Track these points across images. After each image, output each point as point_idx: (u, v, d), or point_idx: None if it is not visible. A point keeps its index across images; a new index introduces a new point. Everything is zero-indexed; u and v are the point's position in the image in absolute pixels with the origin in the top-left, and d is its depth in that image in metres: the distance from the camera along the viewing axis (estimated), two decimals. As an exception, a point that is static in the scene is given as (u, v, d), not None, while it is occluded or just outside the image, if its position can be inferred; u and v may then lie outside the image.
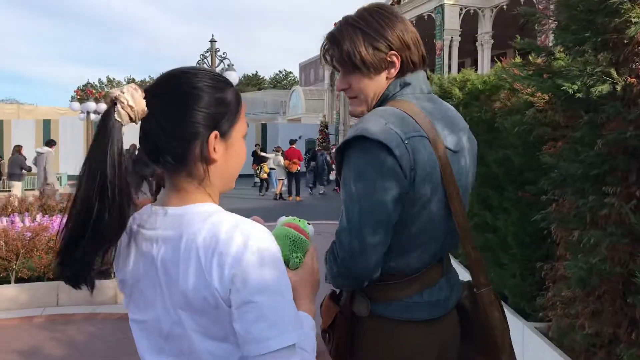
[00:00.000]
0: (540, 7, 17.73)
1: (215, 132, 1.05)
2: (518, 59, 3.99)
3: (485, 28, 20.59)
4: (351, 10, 1.65)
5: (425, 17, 21.14)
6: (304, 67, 48.61)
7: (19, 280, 5.77)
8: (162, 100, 1.03)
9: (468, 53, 22.63)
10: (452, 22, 20.35)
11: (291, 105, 42.84)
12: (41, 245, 5.85)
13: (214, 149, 1.05)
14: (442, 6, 20.29)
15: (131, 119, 1.01)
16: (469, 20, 20.34)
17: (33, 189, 16.08)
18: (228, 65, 13.22)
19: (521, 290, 3.54)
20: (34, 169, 13.95)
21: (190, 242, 1.00)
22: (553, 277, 3.27)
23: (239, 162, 1.13)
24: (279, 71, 79.85)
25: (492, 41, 20.57)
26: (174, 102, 1.03)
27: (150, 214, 1.09)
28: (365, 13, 1.59)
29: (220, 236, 0.98)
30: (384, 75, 1.56)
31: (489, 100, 4.30)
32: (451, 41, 20.56)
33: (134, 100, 1.01)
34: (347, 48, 1.53)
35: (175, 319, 1.02)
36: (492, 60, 20.10)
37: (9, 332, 5.01)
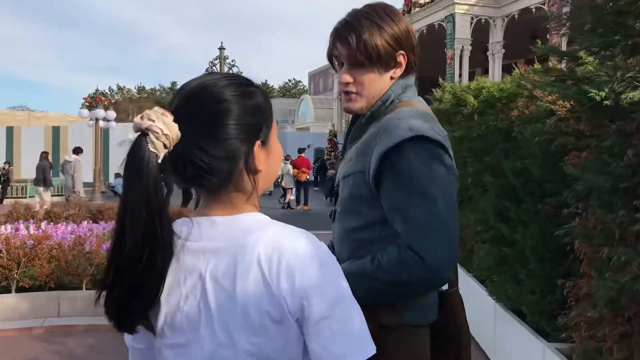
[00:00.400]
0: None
1: (258, 142, 1.00)
2: (537, 66, 3.82)
3: (496, 37, 20.45)
4: None
5: (436, 26, 21.03)
6: (313, 76, 48.63)
7: (20, 289, 5.63)
8: (195, 122, 0.95)
9: (479, 63, 22.46)
10: (463, 32, 20.23)
11: (300, 114, 42.83)
12: (43, 254, 5.71)
13: (259, 158, 1.00)
14: (453, 15, 20.17)
15: (165, 147, 0.93)
16: (480, 30, 20.22)
17: (62, 195, 16.05)
18: (237, 73, 13.14)
19: (540, 308, 3.35)
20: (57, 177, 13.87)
21: (249, 253, 0.94)
22: (576, 296, 3.07)
23: (279, 163, 1.10)
24: (288, 80, 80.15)
25: (504, 50, 20.43)
26: (208, 122, 0.96)
27: (192, 225, 1.00)
28: (378, 8, 1.53)
29: (284, 246, 0.94)
30: (389, 74, 1.52)
31: (505, 108, 4.13)
32: (462, 50, 20.43)
33: (168, 128, 0.92)
34: (366, 38, 1.46)
35: (223, 340, 0.93)
36: (503, 70, 20.01)
37: (8, 344, 4.86)
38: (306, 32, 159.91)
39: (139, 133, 0.93)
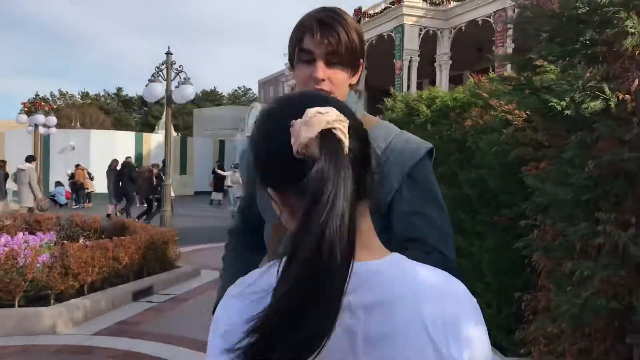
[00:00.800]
0: (498, 28, 18.02)
1: None
2: (492, 75, 3.78)
3: (443, 49, 20.82)
4: None
5: (386, 36, 21.24)
6: (264, 84, 48.40)
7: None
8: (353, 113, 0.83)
9: (426, 73, 22.81)
10: (411, 42, 20.50)
11: (250, 122, 42.40)
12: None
13: None
14: (402, 26, 20.43)
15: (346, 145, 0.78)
16: (428, 41, 20.54)
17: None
18: (184, 79, 12.76)
19: (497, 322, 3.29)
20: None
21: (409, 309, 0.77)
22: (534, 309, 3.02)
23: None
24: (238, 87, 79.40)
25: (451, 62, 20.81)
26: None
27: None
28: (344, 13, 1.46)
29: (447, 300, 0.79)
30: (351, 79, 1.46)
31: (459, 118, 4.08)
32: (410, 61, 20.70)
33: (342, 118, 0.79)
34: (352, 37, 1.40)
35: None
36: (450, 81, 20.38)
37: None
38: (256, 40, 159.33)
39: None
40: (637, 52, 2.28)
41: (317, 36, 1.39)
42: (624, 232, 2.20)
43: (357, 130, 0.80)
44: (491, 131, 3.49)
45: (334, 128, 0.77)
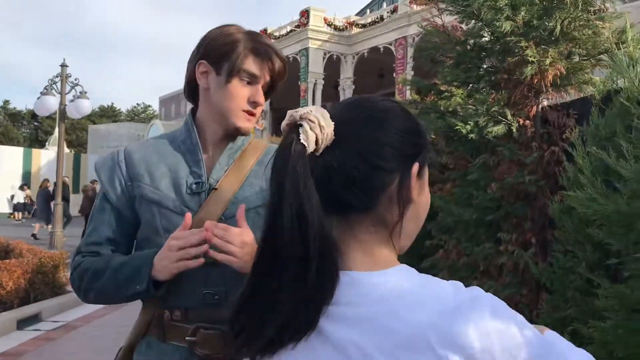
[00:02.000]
0: (398, 56, 18.77)
1: (417, 164, 0.80)
2: (399, 98, 3.88)
3: (347, 73, 21.36)
4: None
5: (291, 58, 21.48)
6: (165, 101, 47.14)
7: None
8: (354, 124, 0.80)
9: (330, 97, 23.26)
10: (316, 66, 20.89)
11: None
12: None
13: (414, 187, 0.81)
14: (307, 49, 20.77)
15: (316, 143, 0.77)
16: (332, 65, 21.01)
17: None
18: (80, 92, 12.13)
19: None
20: None
21: (414, 326, 0.72)
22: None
23: (426, 212, 0.87)
24: (137, 104, 76.99)
25: (354, 86, 21.37)
26: (369, 126, 0.81)
27: None
28: None
29: (455, 313, 0.72)
30: None
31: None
32: (315, 84, 21.05)
33: (325, 121, 0.78)
34: (284, 68, 1.48)
35: None
36: (353, 105, 20.89)
37: None
38: (156, 57, 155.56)
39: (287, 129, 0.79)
40: (535, 80, 2.41)
41: (269, 64, 1.42)
42: (524, 251, 2.30)
43: (355, 144, 0.79)
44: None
45: (301, 124, 0.77)
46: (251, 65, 1.40)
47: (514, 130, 2.37)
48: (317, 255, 0.73)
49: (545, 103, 2.52)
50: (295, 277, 0.74)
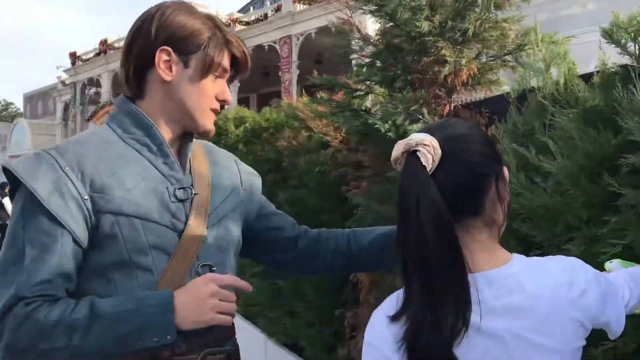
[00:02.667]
0: (283, 54, 18.84)
1: (505, 167, 1.02)
2: (305, 99, 3.88)
3: (231, 71, 21.12)
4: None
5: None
6: (30, 99, 43.73)
7: None
8: (455, 143, 0.95)
9: (214, 94, 22.86)
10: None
11: (13, 140, 37.93)
12: None
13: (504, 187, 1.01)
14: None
15: (432, 163, 0.92)
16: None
17: None
18: None
19: (321, 340, 3.32)
20: None
21: (549, 303, 0.94)
22: (354, 325, 3.11)
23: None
24: (-3, 102, 70.66)
25: (239, 84, 21.16)
26: (466, 142, 0.97)
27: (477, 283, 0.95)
28: None
29: (577, 284, 0.98)
30: None
31: (272, 138, 4.10)
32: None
33: (435, 143, 0.92)
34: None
35: None
36: (239, 103, 20.70)
37: None
38: (21, 51, 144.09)
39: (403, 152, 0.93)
40: (449, 79, 2.49)
41: (240, 57, 1.30)
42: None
43: (461, 158, 0.94)
44: (306, 152, 3.55)
45: (418, 150, 0.91)
46: (225, 59, 1.27)
47: (432, 128, 2.44)
48: (459, 258, 0.89)
49: (457, 102, 2.63)
50: (448, 281, 0.87)
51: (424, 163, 0.90)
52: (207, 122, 1.28)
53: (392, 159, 0.95)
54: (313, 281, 3.32)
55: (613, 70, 1.78)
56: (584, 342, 1.01)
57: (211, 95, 1.27)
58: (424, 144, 0.91)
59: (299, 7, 18.39)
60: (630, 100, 1.58)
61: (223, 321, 1.13)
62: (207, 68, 1.24)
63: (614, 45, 1.76)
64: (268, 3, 22.85)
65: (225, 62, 1.27)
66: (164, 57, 1.22)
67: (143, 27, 1.24)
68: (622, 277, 1.19)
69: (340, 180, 3.18)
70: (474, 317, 0.89)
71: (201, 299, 1.11)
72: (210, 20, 1.28)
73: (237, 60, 1.30)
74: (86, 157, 1.15)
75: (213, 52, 1.24)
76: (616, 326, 1.10)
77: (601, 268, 1.33)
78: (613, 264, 1.34)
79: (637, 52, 1.73)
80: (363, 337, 3.07)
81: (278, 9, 19.26)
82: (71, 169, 1.13)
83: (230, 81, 1.33)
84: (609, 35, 1.77)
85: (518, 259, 0.99)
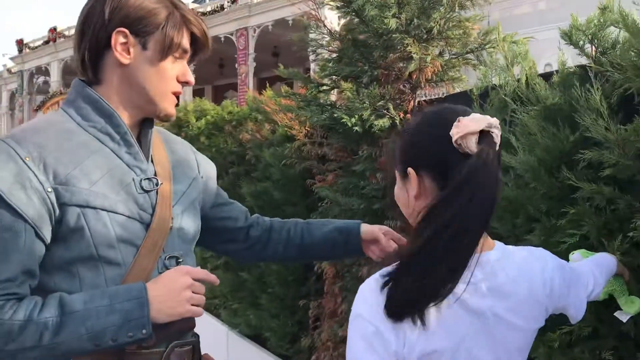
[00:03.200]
0: (240, 46, 18.68)
1: None
2: (269, 92, 3.89)
3: (186, 62, 20.78)
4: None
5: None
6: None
7: None
8: None
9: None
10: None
11: (-44, 130, 36.35)
12: None
13: None
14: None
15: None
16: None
17: None
18: None
19: (284, 332, 3.36)
20: None
21: (529, 287, 1.04)
22: (317, 316, 3.16)
23: None
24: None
25: (194, 75, 20.83)
26: None
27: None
28: None
29: (543, 268, 1.10)
30: None
31: (234, 131, 4.09)
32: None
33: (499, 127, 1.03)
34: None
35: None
36: (194, 95, 20.43)
37: None
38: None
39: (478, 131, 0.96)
40: (414, 75, 2.56)
41: (200, 37, 1.26)
42: (408, 236, 2.44)
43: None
44: (270, 145, 3.57)
45: (492, 132, 0.97)
46: (184, 38, 1.22)
47: (398, 123, 2.50)
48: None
49: (421, 98, 2.70)
50: (469, 255, 0.95)
51: (496, 142, 0.99)
52: (168, 105, 1.24)
53: (463, 132, 0.96)
54: (277, 273, 3.36)
55: (572, 70, 1.87)
56: (543, 324, 1.11)
57: (172, 77, 1.23)
58: (498, 127, 0.99)
59: (256, -1, 18.26)
60: (587, 99, 1.67)
61: (196, 313, 1.15)
62: (167, 49, 1.19)
63: (572, 46, 1.86)
64: (225, -6, 22.58)
65: (185, 41, 1.23)
66: (121, 39, 1.17)
67: (96, 7, 1.18)
68: (589, 266, 1.31)
69: (305, 174, 3.22)
70: (465, 294, 0.96)
71: (176, 291, 1.11)
72: (179, 6, 1.23)
73: (197, 39, 1.26)
74: (46, 147, 1.09)
75: (172, 32, 1.19)
76: (576, 312, 1.21)
77: (560, 256, 1.42)
78: (575, 255, 1.45)
79: (593, 53, 1.84)
80: (327, 327, 3.12)
81: (234, 1, 19.06)
82: (32, 159, 1.06)
83: (189, 61, 1.30)
84: (568, 37, 1.86)
85: (500, 245, 1.08)
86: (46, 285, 1.09)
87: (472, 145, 0.96)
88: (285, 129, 3.34)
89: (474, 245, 0.95)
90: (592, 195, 1.61)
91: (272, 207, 3.40)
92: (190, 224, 1.29)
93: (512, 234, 1.90)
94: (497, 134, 0.99)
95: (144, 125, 1.26)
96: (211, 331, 4.13)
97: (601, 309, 1.60)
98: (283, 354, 3.41)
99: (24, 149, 1.07)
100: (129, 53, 1.18)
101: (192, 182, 1.34)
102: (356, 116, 2.55)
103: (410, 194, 1.05)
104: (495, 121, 0.99)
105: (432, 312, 0.94)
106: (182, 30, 1.22)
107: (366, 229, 1.56)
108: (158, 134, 1.34)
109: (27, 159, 1.06)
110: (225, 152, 3.92)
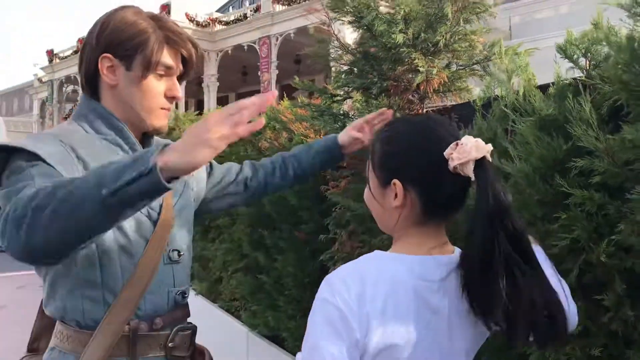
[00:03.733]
0: (262, 54, 18.93)
1: None
2: (286, 102, 4.03)
3: (211, 70, 21.10)
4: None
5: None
6: (6, 96, 43.10)
7: None
8: None
9: (193, 93, 22.87)
10: (178, 61, 20.39)
11: (-11, 138, 37.38)
12: None
13: None
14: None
15: None
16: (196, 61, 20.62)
17: None
18: None
19: (301, 332, 3.47)
20: None
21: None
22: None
23: None
24: (-29, 98, 69.21)
25: (218, 83, 21.17)
26: None
27: (430, 264, 1.05)
28: None
29: None
30: None
31: (254, 139, 4.24)
32: (178, 80, 20.55)
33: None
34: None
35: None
36: (218, 102, 20.74)
37: None
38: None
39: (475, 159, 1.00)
40: (422, 87, 2.68)
41: (183, 52, 1.35)
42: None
43: None
44: (287, 152, 3.70)
45: (486, 157, 1.02)
46: (166, 56, 1.31)
47: (406, 132, 2.61)
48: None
49: (429, 108, 2.81)
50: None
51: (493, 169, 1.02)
52: (156, 120, 1.35)
53: (464, 160, 0.99)
54: (293, 275, 3.48)
55: (567, 82, 1.97)
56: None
57: (159, 94, 1.33)
58: (489, 150, 1.03)
59: (278, 7, 18.49)
60: (579, 111, 1.77)
61: (249, 129, 1.01)
62: (147, 67, 1.29)
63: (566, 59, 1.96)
64: (247, 3, 22.89)
65: (167, 59, 1.31)
66: (107, 63, 1.28)
67: (90, 35, 1.30)
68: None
69: (320, 180, 3.35)
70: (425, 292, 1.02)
71: (192, 135, 0.99)
72: (154, 19, 1.32)
73: (184, 57, 1.36)
74: (75, 144, 1.24)
75: (151, 52, 1.28)
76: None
77: (554, 259, 1.50)
78: None
79: (587, 66, 1.93)
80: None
81: (257, 10, 19.33)
82: (72, 152, 1.22)
83: (181, 78, 1.40)
84: (563, 51, 1.96)
85: (457, 250, 1.14)
86: (70, 270, 1.22)
87: (469, 171, 1.00)
88: (301, 137, 3.47)
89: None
90: (584, 201, 1.71)
91: (288, 213, 3.53)
92: (186, 220, 1.47)
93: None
94: (490, 159, 1.03)
95: (145, 137, 1.43)
96: (232, 332, 4.27)
97: (592, 308, 1.70)
98: (300, 354, 3.53)
99: (62, 138, 1.23)
100: (114, 75, 1.30)
101: (185, 182, 1.50)
102: (366, 126, 2.67)
103: (391, 203, 1.07)
104: (490, 147, 1.03)
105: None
106: (162, 48, 1.31)
107: (342, 138, 1.78)
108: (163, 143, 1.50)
109: (70, 150, 1.22)
110: (245, 159, 4.05)
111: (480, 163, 1.00)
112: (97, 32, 1.28)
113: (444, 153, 1.01)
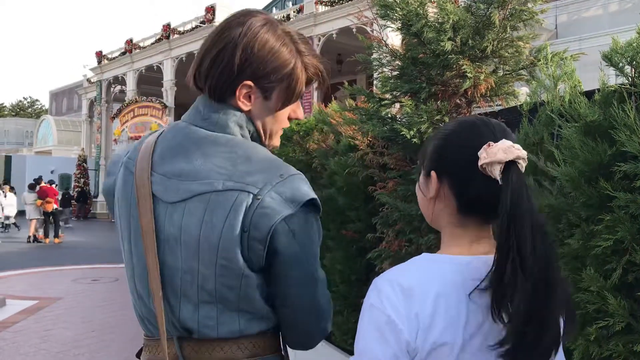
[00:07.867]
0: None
1: None
2: (334, 105, 4.17)
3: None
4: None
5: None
6: (56, 95, 44.57)
7: None
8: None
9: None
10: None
11: (40, 135, 38.80)
12: None
13: None
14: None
15: None
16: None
17: None
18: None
19: (347, 327, 3.62)
20: None
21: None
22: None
23: None
24: (24, 98, 72.00)
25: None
26: None
27: (476, 264, 1.03)
28: None
29: None
30: None
31: (302, 141, 4.40)
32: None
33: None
34: None
35: None
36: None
37: None
38: (47, 48, 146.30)
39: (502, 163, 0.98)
40: (469, 91, 2.78)
41: (321, 81, 1.29)
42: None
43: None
44: (335, 154, 3.84)
45: (519, 162, 1.00)
46: (304, 86, 1.25)
47: (453, 135, 2.72)
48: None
49: (476, 112, 2.90)
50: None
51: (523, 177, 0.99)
52: (276, 141, 1.32)
53: (490, 160, 0.99)
54: (340, 272, 3.62)
55: (612, 89, 2.04)
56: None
57: (286, 120, 1.30)
58: (525, 158, 1.00)
59: (321, 8, 18.65)
60: (623, 117, 1.84)
61: None
62: (288, 101, 1.24)
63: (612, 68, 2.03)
64: (290, 4, 23.13)
65: (304, 88, 1.26)
66: (245, 90, 1.20)
67: (226, 51, 1.19)
68: None
69: (367, 181, 3.47)
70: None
71: None
72: (292, 42, 1.23)
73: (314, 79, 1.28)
74: None
75: (294, 84, 1.22)
76: None
77: (598, 259, 1.57)
78: None
79: (632, 74, 2.00)
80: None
81: (300, 10, 19.54)
82: None
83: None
84: (609, 59, 2.03)
85: None
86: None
87: (496, 172, 0.99)
88: (349, 139, 3.61)
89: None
90: (627, 204, 1.77)
91: (336, 212, 3.67)
92: None
93: (555, 237, 2.08)
94: (522, 165, 1.00)
95: None
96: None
97: (634, 306, 1.77)
98: (347, 349, 3.67)
99: None
100: (249, 101, 1.21)
101: None
102: (414, 129, 2.78)
103: (428, 194, 1.11)
104: (523, 153, 1.00)
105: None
106: (303, 79, 1.24)
107: None
108: None
109: None
110: (294, 161, 4.21)
111: (508, 167, 0.99)
112: (240, 57, 1.18)
113: (478, 153, 1.01)
